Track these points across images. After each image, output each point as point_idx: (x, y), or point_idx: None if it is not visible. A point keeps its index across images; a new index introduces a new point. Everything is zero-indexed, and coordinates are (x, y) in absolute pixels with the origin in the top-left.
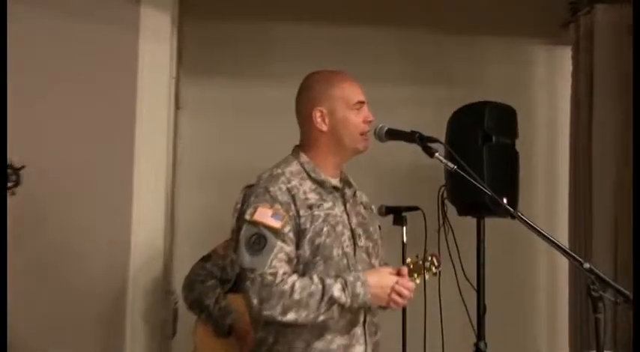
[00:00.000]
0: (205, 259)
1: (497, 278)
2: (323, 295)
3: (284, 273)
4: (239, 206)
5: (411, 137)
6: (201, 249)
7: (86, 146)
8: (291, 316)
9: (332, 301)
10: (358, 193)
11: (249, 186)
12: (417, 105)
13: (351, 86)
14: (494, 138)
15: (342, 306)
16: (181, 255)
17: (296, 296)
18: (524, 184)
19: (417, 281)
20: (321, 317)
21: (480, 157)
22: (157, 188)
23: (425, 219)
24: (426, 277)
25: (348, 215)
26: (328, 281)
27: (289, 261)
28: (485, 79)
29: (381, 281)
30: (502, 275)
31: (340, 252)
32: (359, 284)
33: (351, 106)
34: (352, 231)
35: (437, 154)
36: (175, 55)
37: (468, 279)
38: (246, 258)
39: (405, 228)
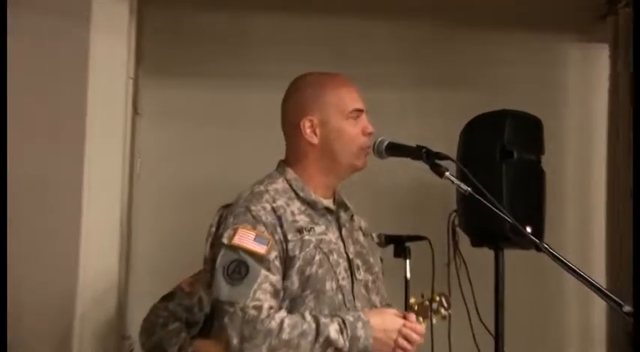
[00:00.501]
0: (168, 298)
1: (520, 322)
2: (317, 336)
3: (270, 308)
4: (214, 229)
5: (416, 153)
6: (163, 283)
7: (26, 157)
8: None
9: (328, 344)
10: (356, 217)
11: (227, 206)
12: (424, 114)
13: (347, 91)
14: (515, 154)
15: (339, 351)
16: (139, 290)
17: (285, 335)
18: (551, 209)
19: (423, 325)
20: None
21: (499, 177)
22: (111, 208)
23: (432, 250)
24: (434, 321)
25: (344, 242)
26: (323, 319)
27: (275, 293)
28: (505, 83)
29: (386, 324)
30: (525, 318)
31: (335, 285)
32: (360, 325)
33: (347, 115)
34: (349, 261)
35: (447, 173)
36: (134, 51)
37: (484, 324)
38: (225, 289)
39: (408, 261)
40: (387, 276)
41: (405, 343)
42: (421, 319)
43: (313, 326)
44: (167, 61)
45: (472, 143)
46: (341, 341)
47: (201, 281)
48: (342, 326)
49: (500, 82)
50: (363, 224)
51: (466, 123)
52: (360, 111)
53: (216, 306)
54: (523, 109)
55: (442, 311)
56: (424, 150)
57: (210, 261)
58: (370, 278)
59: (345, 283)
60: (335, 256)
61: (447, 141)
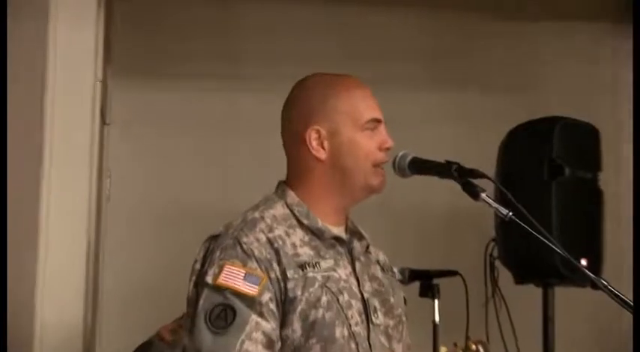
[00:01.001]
0: (145, 348)
1: None
2: None
3: None
4: (198, 265)
5: (445, 170)
6: (137, 330)
7: None
8: None
9: None
10: (372, 249)
11: (214, 237)
12: (454, 121)
13: (363, 97)
14: (567, 171)
15: None
16: (109, 338)
17: None
18: (612, 237)
19: None
20: None
21: (548, 198)
22: (75, 239)
23: (466, 288)
24: None
25: (357, 279)
26: None
27: (269, 344)
28: (553, 85)
29: None
30: None
31: (346, 332)
32: None
33: (362, 126)
34: (365, 301)
35: (484, 195)
36: (102, 48)
37: None
38: (206, 339)
39: (437, 301)
40: (412, 320)
41: None
42: None
43: None
44: (141, 61)
45: (514, 157)
46: None
47: (184, 327)
48: None
49: (547, 83)
50: (381, 257)
51: (507, 133)
52: (377, 121)
53: None
54: (575, 116)
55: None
56: (455, 166)
57: (193, 304)
58: (391, 322)
59: (360, 329)
60: (346, 296)
61: (482, 155)
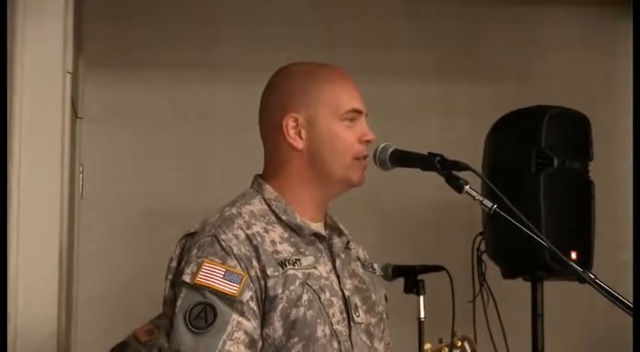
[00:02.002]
0: (121, 349)
1: None
2: None
3: None
4: (175, 264)
5: (428, 162)
6: (112, 331)
7: None
8: None
9: None
10: (352, 245)
11: (190, 235)
12: (441, 111)
13: (344, 87)
14: (556, 162)
15: None
16: (83, 340)
17: None
18: (602, 229)
19: None
20: None
21: (536, 190)
22: (47, 239)
23: (452, 284)
24: None
25: (338, 276)
26: None
27: (251, 343)
28: (543, 72)
29: None
30: None
31: (328, 331)
32: None
33: (341, 116)
34: (346, 299)
35: (468, 188)
36: (72, 39)
37: None
38: (187, 340)
39: (422, 297)
40: (396, 317)
41: None
42: None
43: None
44: (114, 50)
45: (501, 148)
46: None
47: (161, 327)
48: None
49: (539, 70)
50: (361, 253)
51: (493, 123)
52: (358, 112)
53: None
54: (566, 105)
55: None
56: (438, 158)
57: (170, 304)
58: (373, 320)
59: (341, 327)
60: (327, 294)
61: (474, 146)
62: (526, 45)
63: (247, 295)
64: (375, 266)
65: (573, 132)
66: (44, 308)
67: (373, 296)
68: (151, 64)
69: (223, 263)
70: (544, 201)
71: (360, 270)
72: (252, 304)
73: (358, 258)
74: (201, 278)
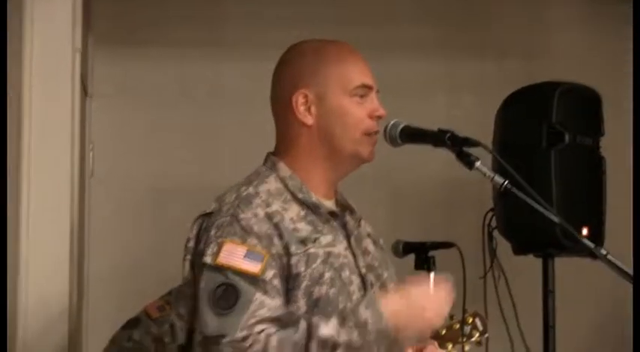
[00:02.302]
0: (132, 325)
1: (574, 347)
2: (308, 340)
3: (260, 332)
4: (191, 244)
5: (438, 138)
6: (124, 307)
7: None
8: None
9: (325, 345)
10: (362, 222)
11: (207, 215)
12: (449, 87)
13: (354, 63)
14: (567, 137)
15: (348, 349)
16: (95, 316)
17: None
18: (613, 205)
19: None
20: None
21: (547, 166)
22: (57, 216)
23: (463, 260)
24: (467, 348)
25: (354, 254)
26: (316, 318)
27: (276, 321)
28: (549, 50)
29: (408, 300)
30: (580, 342)
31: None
32: (362, 307)
33: (350, 91)
34: (362, 277)
35: (478, 164)
36: (81, 16)
37: (529, 350)
38: (211, 322)
39: (433, 274)
40: None
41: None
42: (450, 345)
43: (304, 332)
44: (123, 28)
45: (512, 124)
46: (343, 335)
47: (173, 304)
48: (342, 317)
49: (548, 47)
50: (369, 229)
51: (504, 99)
52: (368, 87)
53: (201, 343)
54: (576, 81)
55: (476, 335)
56: (448, 134)
57: (191, 285)
58: None
59: None
60: (347, 272)
61: (481, 122)
62: (532, 22)
63: (270, 273)
64: (381, 241)
65: (584, 107)
66: (55, 286)
67: (385, 274)
68: (159, 42)
69: (244, 242)
70: (555, 177)
71: (372, 247)
72: (276, 282)
73: (369, 235)
74: (222, 259)
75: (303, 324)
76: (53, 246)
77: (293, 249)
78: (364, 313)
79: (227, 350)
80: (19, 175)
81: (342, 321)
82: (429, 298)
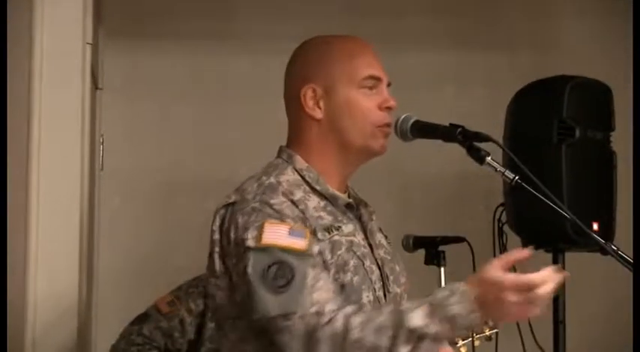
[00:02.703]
0: (142, 320)
1: (584, 343)
2: (397, 328)
3: (333, 310)
4: (217, 236)
5: (449, 133)
6: (134, 302)
7: None
8: None
9: (414, 335)
10: (374, 216)
11: (229, 205)
12: (459, 80)
13: (361, 54)
14: (578, 132)
15: (436, 341)
16: (104, 311)
17: (354, 334)
18: (624, 200)
19: (463, 350)
20: None
21: (558, 161)
22: (67, 208)
23: (473, 255)
24: (476, 343)
25: (371, 245)
26: (406, 305)
27: (335, 290)
28: (559, 41)
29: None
30: (591, 339)
31: (372, 297)
32: (454, 299)
33: (358, 83)
34: (380, 268)
35: (489, 159)
36: (92, 8)
37: (539, 346)
38: (270, 302)
39: (443, 269)
40: (417, 288)
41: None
42: (460, 340)
43: (391, 317)
44: (133, 21)
45: (522, 119)
46: (432, 328)
47: (182, 299)
48: (431, 308)
49: (559, 40)
50: (379, 224)
51: (515, 93)
52: (377, 79)
53: (262, 326)
54: (587, 74)
55: (487, 330)
56: (459, 129)
57: (224, 275)
58: (398, 290)
59: (381, 295)
60: (368, 261)
61: (490, 115)
62: (542, 14)
63: (315, 248)
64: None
65: (595, 102)
66: (64, 280)
67: (397, 268)
68: (169, 34)
69: (283, 221)
70: (566, 171)
71: (384, 241)
72: (319, 258)
73: (380, 230)
74: (267, 239)
75: (387, 308)
76: (63, 240)
77: (319, 235)
78: (454, 308)
79: (299, 326)
80: (29, 168)
81: (431, 312)
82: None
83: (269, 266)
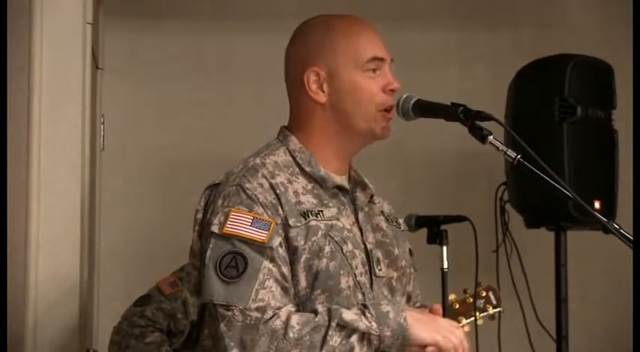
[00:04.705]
0: (144, 301)
1: (586, 321)
2: (329, 322)
3: (278, 308)
4: (200, 215)
5: (451, 112)
6: (136, 283)
7: None
8: None
9: (345, 328)
10: (377, 199)
11: (214, 185)
12: (462, 58)
13: (365, 36)
14: (579, 111)
15: (366, 337)
16: (106, 292)
17: (293, 334)
18: (625, 179)
19: (466, 328)
20: None
21: (559, 139)
22: (68, 189)
23: (475, 234)
24: (480, 322)
25: (361, 229)
26: (335, 306)
27: (284, 290)
28: (562, 20)
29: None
30: (593, 317)
31: (352, 282)
32: (385, 302)
33: (362, 66)
34: (368, 252)
35: (491, 138)
36: None
37: (542, 324)
38: (219, 290)
39: (445, 248)
40: (420, 267)
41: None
42: (463, 319)
43: (325, 316)
44: (134, 0)
45: (524, 97)
46: (363, 323)
47: (185, 279)
48: (363, 308)
49: (562, 18)
50: (386, 207)
51: (516, 72)
52: (380, 60)
53: (207, 312)
54: (585, 53)
55: (490, 309)
56: (461, 108)
57: (199, 256)
58: (395, 274)
59: (365, 280)
60: (350, 246)
61: (493, 94)
62: None
63: (276, 241)
64: (400, 221)
65: (597, 80)
66: (66, 260)
67: (396, 251)
68: (170, 14)
69: (250, 210)
70: (567, 150)
71: (384, 224)
72: (282, 250)
73: (382, 212)
74: (229, 228)
75: (323, 309)
76: (64, 221)
77: (292, 221)
78: (386, 307)
79: (239, 318)
80: (30, 148)
81: (363, 311)
82: (448, 323)
83: (225, 255)
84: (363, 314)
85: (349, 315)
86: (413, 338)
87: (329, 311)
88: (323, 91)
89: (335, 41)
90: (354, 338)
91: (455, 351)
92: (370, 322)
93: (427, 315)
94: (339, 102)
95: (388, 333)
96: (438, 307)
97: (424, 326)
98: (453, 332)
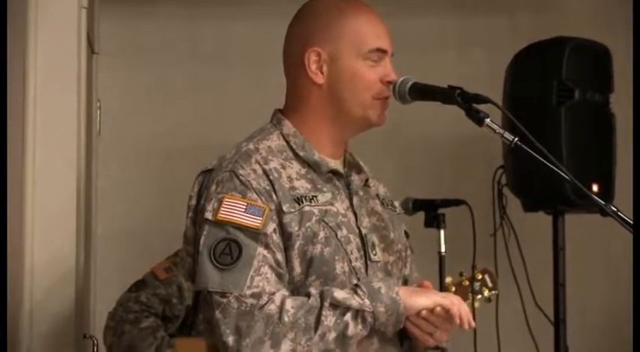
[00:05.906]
0: (139, 287)
1: (585, 305)
2: (322, 302)
3: (272, 293)
4: (193, 201)
5: (448, 95)
6: (131, 269)
7: None
8: (286, 347)
9: (338, 307)
10: (372, 182)
11: (207, 171)
12: (460, 43)
13: (371, 24)
14: (577, 94)
15: (360, 314)
16: (102, 277)
17: (288, 317)
18: (623, 162)
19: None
20: (331, 336)
21: (557, 123)
22: (64, 175)
23: (473, 217)
24: (476, 304)
25: (355, 214)
26: (327, 287)
27: (279, 277)
28: (563, 4)
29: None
30: (591, 300)
31: (347, 268)
32: (376, 280)
33: (364, 55)
34: (362, 237)
35: (488, 121)
36: None
37: (540, 307)
38: (213, 277)
39: (442, 231)
40: (417, 251)
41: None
42: None
43: (318, 297)
44: None
45: (522, 80)
46: (355, 301)
47: (180, 265)
48: (355, 288)
49: (559, 2)
50: (381, 190)
51: (514, 55)
52: (383, 52)
53: (202, 298)
54: (587, 36)
55: (486, 292)
56: (458, 91)
57: (193, 242)
58: (391, 258)
59: (360, 265)
60: (344, 231)
61: (491, 78)
62: None
63: (271, 227)
64: (396, 203)
65: (595, 64)
66: (62, 246)
67: (391, 235)
68: None
69: (244, 197)
70: (565, 133)
71: (380, 208)
72: (276, 236)
73: (377, 196)
74: (223, 214)
75: (315, 291)
76: (60, 206)
77: (286, 207)
78: (377, 283)
79: (234, 305)
80: (25, 133)
81: (355, 290)
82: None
83: (219, 242)
84: (355, 292)
85: (341, 294)
86: (410, 308)
87: (321, 292)
88: (322, 73)
89: (342, 26)
90: (348, 316)
91: (458, 310)
92: (363, 299)
93: (420, 288)
94: (336, 87)
95: (382, 309)
96: (428, 283)
97: (419, 294)
98: (450, 296)
